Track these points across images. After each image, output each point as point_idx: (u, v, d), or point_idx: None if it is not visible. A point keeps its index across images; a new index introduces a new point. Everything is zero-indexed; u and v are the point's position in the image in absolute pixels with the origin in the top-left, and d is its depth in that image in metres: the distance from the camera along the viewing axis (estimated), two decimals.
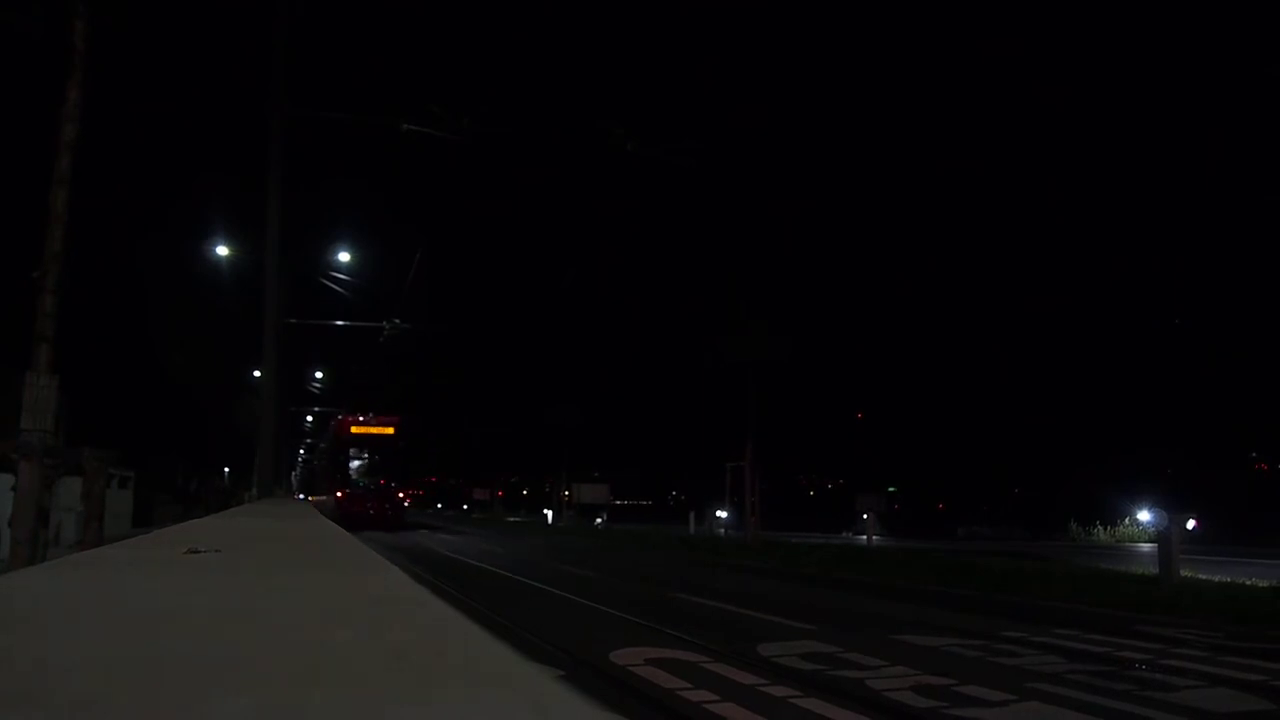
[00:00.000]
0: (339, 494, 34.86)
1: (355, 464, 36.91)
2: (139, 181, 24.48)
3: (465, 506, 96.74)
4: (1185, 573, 14.78)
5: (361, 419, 37.25)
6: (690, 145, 17.91)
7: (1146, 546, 28.87)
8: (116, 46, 10.95)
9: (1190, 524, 29.25)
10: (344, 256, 23.61)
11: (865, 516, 32.18)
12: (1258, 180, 38.03)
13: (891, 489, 55.06)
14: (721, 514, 37.09)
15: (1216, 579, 14.43)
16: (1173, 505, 17.02)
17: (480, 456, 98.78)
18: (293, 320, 23.05)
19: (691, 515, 39.69)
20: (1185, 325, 45.24)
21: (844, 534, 37.09)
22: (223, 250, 23.62)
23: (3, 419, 9.87)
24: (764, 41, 42.16)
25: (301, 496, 54.47)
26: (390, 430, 37.91)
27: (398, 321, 25.85)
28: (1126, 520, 37.24)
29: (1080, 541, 35.82)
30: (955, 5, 46.01)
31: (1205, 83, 38.46)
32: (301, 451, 79.98)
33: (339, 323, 26.64)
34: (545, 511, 60.77)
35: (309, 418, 58.66)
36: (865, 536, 30.99)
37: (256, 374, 24.09)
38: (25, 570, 2.99)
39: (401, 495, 42.13)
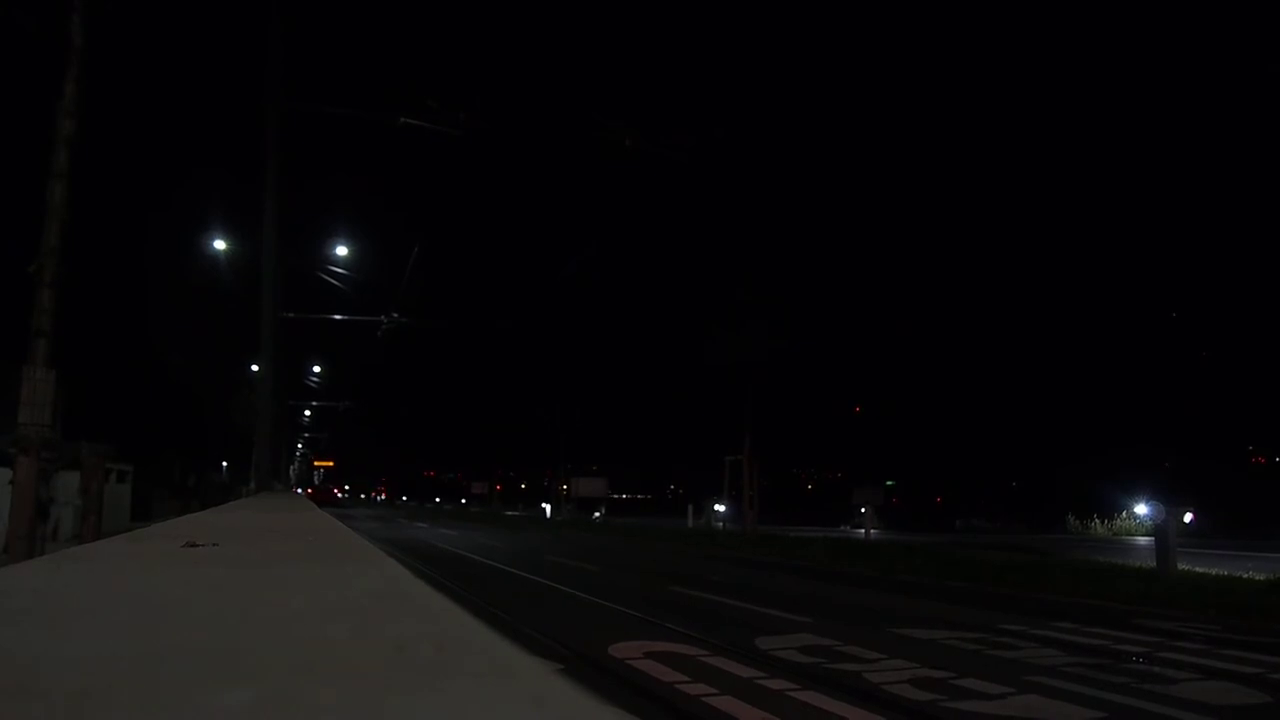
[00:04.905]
0: (308, 490, 71.50)
1: (318, 474, 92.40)
2: (137, 176, 24.41)
3: (464, 500, 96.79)
4: (1183, 566, 14.83)
5: (319, 458, 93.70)
6: (689, 141, 17.84)
7: (1144, 540, 28.92)
8: (114, 42, 10.92)
9: (1187, 517, 29.29)
10: (341, 250, 23.57)
11: (863, 510, 32.18)
12: (1255, 178, 38.05)
13: (890, 482, 55.08)
14: (720, 507, 37.10)
15: (1214, 572, 14.47)
16: (1170, 499, 17.03)
17: (479, 450, 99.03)
18: (290, 314, 23.02)
19: (690, 509, 39.72)
20: (1182, 320, 45.28)
21: (842, 527, 37.13)
22: (220, 245, 23.59)
23: (2, 414, 9.86)
24: (764, 41, 42.08)
25: (299, 490, 54.49)
26: (330, 463, 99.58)
27: (396, 315, 25.80)
28: (1124, 513, 37.31)
29: (1078, 535, 35.89)
30: (956, 5, 45.92)
31: (1205, 83, 38.41)
32: (300, 446, 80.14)
33: (337, 317, 26.58)
34: (544, 505, 60.77)
35: (306, 412, 58.63)
36: (863, 530, 31.00)
37: (254, 368, 24.07)
38: (22, 564, 2.98)
39: (338, 492, 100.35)
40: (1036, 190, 47.24)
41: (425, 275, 47.50)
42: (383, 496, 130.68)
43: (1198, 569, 14.92)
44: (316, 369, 46.69)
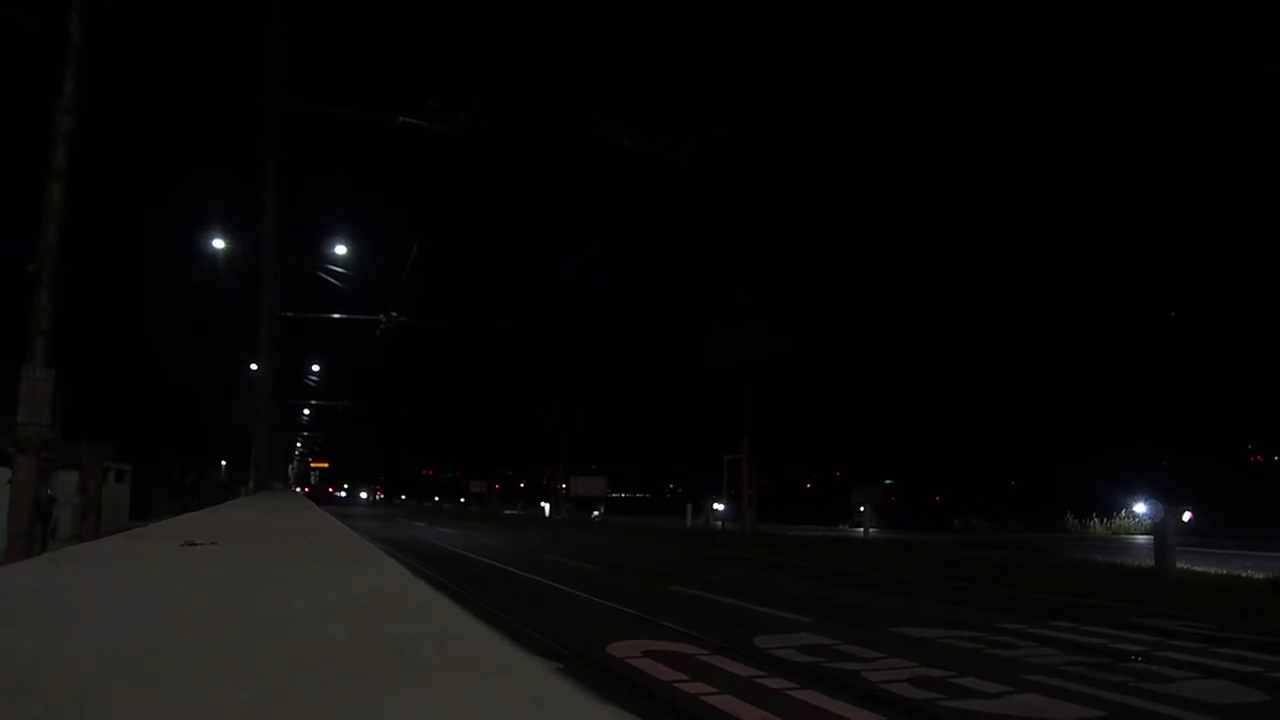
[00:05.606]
0: (304, 488, 77.43)
1: (314, 475, 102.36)
2: (137, 176, 24.41)
3: (463, 499, 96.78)
4: (1181, 565, 14.83)
5: (315, 460, 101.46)
6: (689, 141, 17.83)
7: (1142, 539, 28.93)
8: (113, 40, 10.91)
9: (1186, 516, 29.27)
10: (341, 250, 23.54)
11: (862, 509, 32.17)
12: (1255, 178, 38.08)
13: (889, 482, 55.08)
14: (718, 506, 37.11)
15: (1213, 571, 14.48)
16: (1169, 498, 17.01)
17: (478, 450, 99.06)
18: (289, 313, 23.00)
19: (689, 508, 39.72)
20: (1182, 319, 45.28)
21: (840, 526, 37.14)
22: (220, 244, 23.57)
23: (2, 414, 9.86)
24: (764, 41, 42.07)
25: (297, 489, 54.47)
26: (326, 465, 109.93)
27: (395, 314, 25.79)
28: (1123, 513, 37.30)
29: (1077, 534, 35.89)
30: (956, 5, 45.91)
31: (1205, 83, 38.40)
32: (299, 445, 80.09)
33: (336, 316, 26.55)
34: (543, 504, 60.78)
35: (305, 411, 58.59)
36: (861, 529, 31.01)
37: (254, 367, 24.07)
38: (22, 563, 2.97)
39: (333, 490, 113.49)
40: (1036, 190, 47.26)
41: (425, 275, 47.46)
42: (380, 496, 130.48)
43: (1196, 568, 14.93)
44: (315, 368, 46.67)
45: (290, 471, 66.68)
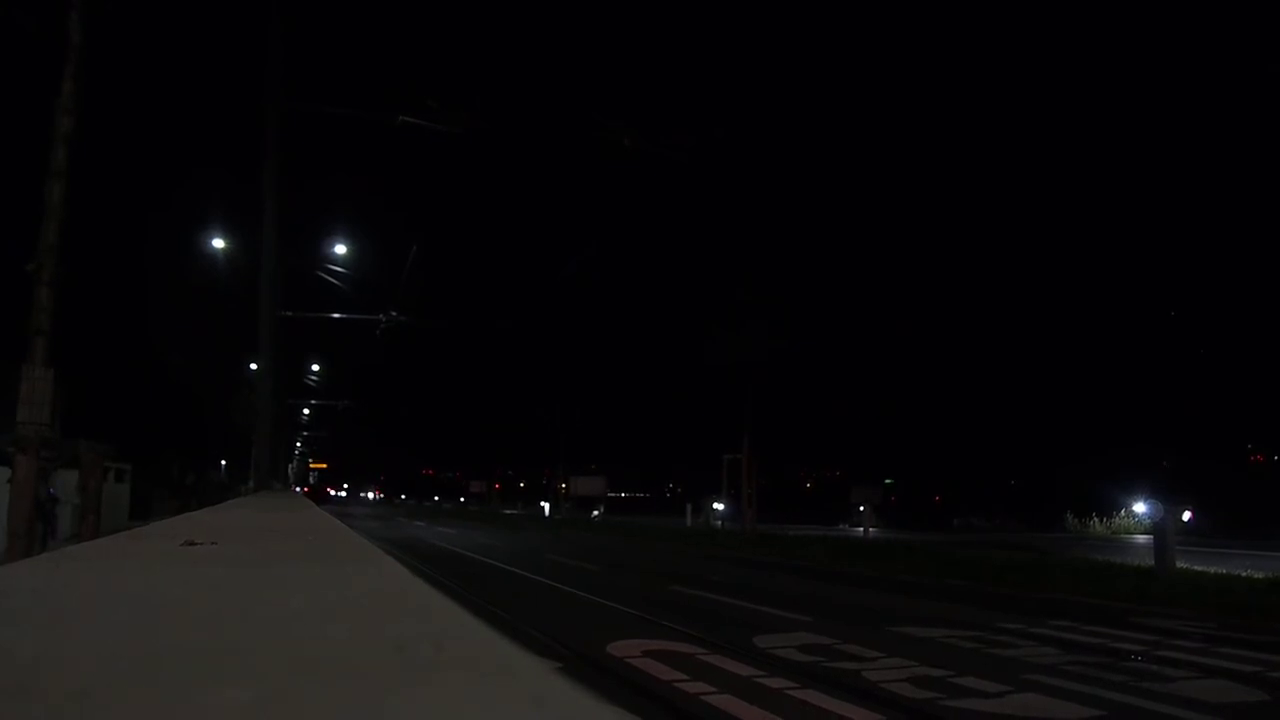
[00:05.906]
0: (304, 488, 75.53)
1: (313, 475, 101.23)
2: (137, 176, 24.40)
3: (463, 499, 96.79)
4: (1181, 564, 14.83)
5: (315, 460, 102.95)
6: (689, 141, 17.82)
7: (1142, 538, 28.93)
8: (113, 40, 10.91)
9: (1186, 516, 29.24)
10: (340, 249, 23.53)
11: (862, 509, 32.15)
12: (1255, 178, 38.07)
13: (888, 481, 55.04)
14: (718, 506, 37.11)
15: (1212, 571, 14.47)
16: (1168, 497, 17.01)
17: (478, 449, 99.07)
18: (289, 313, 23.00)
19: (688, 508, 39.72)
20: (1181, 319, 45.28)
21: (840, 526, 37.12)
22: (219, 244, 23.58)
23: (2, 414, 9.86)
24: (764, 41, 42.05)
25: (297, 489, 54.44)
26: (324, 465, 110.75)
27: (394, 314, 25.78)
28: (1123, 512, 37.29)
29: (1076, 533, 35.88)
30: (956, 5, 45.89)
31: (1205, 83, 38.38)
32: (299, 445, 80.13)
33: (336, 315, 26.53)
34: (543, 504, 60.79)
35: (305, 411, 58.58)
36: (861, 529, 31.00)
37: (253, 367, 24.08)
38: (21, 563, 2.97)
39: (330, 490, 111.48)
40: (1036, 190, 47.23)
41: (425, 275, 47.46)
42: (379, 495, 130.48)
43: (1196, 568, 14.93)
44: (315, 368, 46.66)
45: (290, 471, 66.63)
